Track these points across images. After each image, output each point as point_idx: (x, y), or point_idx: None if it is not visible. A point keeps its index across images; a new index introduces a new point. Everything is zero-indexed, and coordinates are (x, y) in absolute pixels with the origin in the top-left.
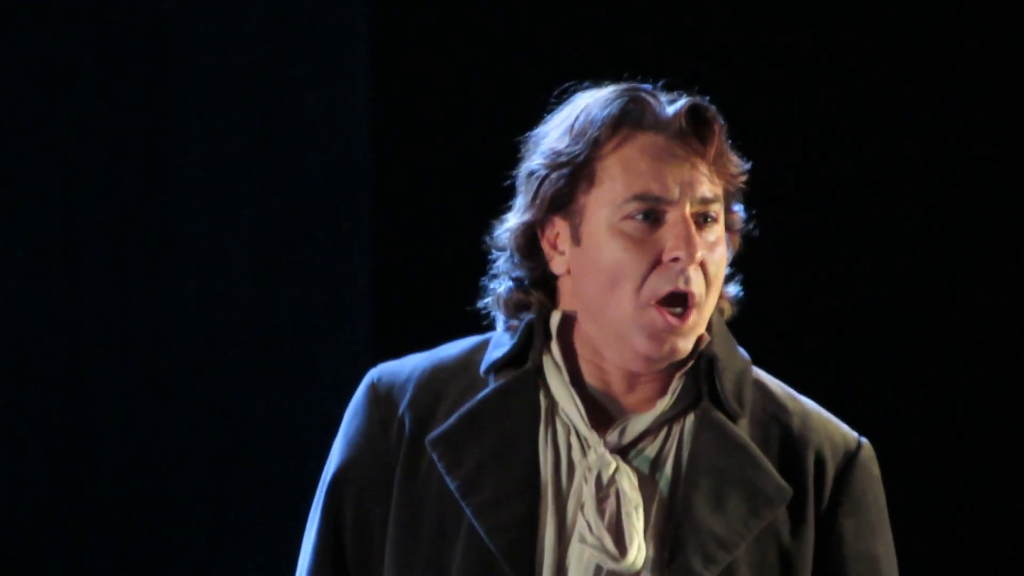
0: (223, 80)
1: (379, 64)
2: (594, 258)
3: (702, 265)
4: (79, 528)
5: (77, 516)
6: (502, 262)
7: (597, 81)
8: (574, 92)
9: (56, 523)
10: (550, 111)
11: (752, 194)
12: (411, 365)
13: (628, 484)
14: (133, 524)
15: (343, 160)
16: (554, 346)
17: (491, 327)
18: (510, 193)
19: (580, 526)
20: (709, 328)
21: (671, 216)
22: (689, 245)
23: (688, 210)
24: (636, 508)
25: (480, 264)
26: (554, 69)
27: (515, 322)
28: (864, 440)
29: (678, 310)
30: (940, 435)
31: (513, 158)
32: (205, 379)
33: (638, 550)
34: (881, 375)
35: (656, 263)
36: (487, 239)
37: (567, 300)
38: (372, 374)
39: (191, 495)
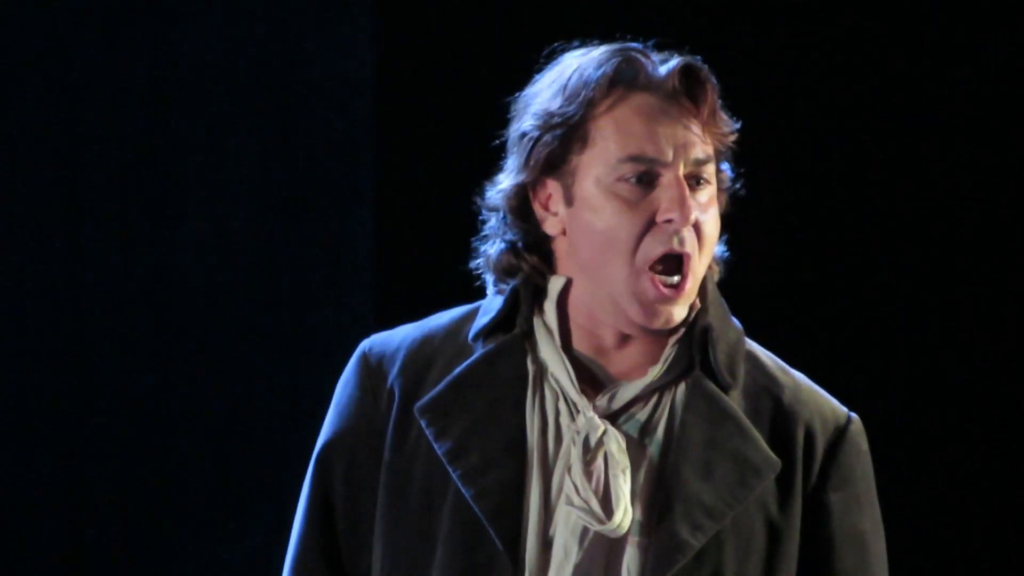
0: (226, 49)
1: (382, 32)
2: (587, 219)
3: (695, 226)
4: (81, 501)
5: (80, 488)
6: (493, 224)
7: (585, 41)
8: (562, 52)
9: (58, 497)
10: (539, 71)
11: (743, 158)
12: (401, 335)
13: (616, 447)
14: (135, 495)
15: (345, 129)
16: (549, 309)
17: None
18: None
19: (567, 488)
20: (704, 295)
21: (665, 178)
22: (683, 207)
23: (682, 171)
24: (624, 471)
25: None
26: (552, 33)
27: (503, 286)
28: (854, 415)
29: (674, 279)
30: (929, 411)
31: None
32: (207, 349)
33: (624, 513)
34: (871, 349)
35: (650, 225)
36: (478, 200)
37: (562, 262)
38: (363, 345)
39: (193, 464)
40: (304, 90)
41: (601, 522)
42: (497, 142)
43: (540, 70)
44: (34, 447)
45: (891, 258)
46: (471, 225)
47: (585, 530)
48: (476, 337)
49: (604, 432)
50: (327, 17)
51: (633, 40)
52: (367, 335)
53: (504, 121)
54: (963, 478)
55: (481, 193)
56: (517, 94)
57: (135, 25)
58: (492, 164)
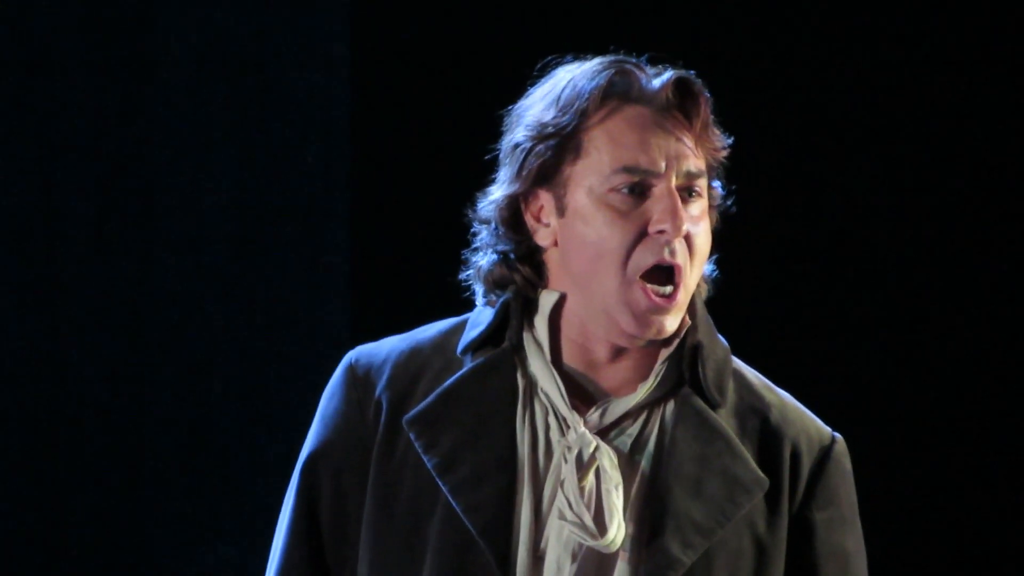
0: (202, 56)
1: (358, 39)
2: (579, 230)
3: (687, 238)
4: (54, 511)
5: (53, 498)
6: (485, 235)
7: (579, 55)
8: (556, 66)
9: (31, 507)
10: (532, 84)
11: (733, 174)
12: (388, 347)
13: (609, 463)
14: (109, 500)
15: (320, 136)
16: (540, 324)
17: (471, 300)
18: (489, 170)
19: (559, 503)
20: (693, 313)
21: (657, 189)
22: (675, 217)
23: (674, 183)
24: (616, 486)
25: (458, 241)
26: (536, 44)
27: (493, 297)
28: (838, 436)
29: (666, 289)
30: (912, 429)
31: (493, 134)
32: (182, 359)
33: (618, 528)
34: (855, 368)
35: (641, 236)
36: (470, 212)
37: (554, 273)
38: (350, 356)
39: (168, 475)
40: (281, 99)
41: (594, 537)
42: (487, 156)
43: (532, 83)
44: (6, 456)
45: (879, 276)
46: (446, 236)
47: (578, 545)
48: (465, 350)
49: (596, 447)
50: (303, 27)
51: (627, 54)
52: (343, 346)
53: (482, 132)
54: (946, 495)
55: (472, 204)
56: (509, 107)
57: (112, 34)
58: (469, 175)
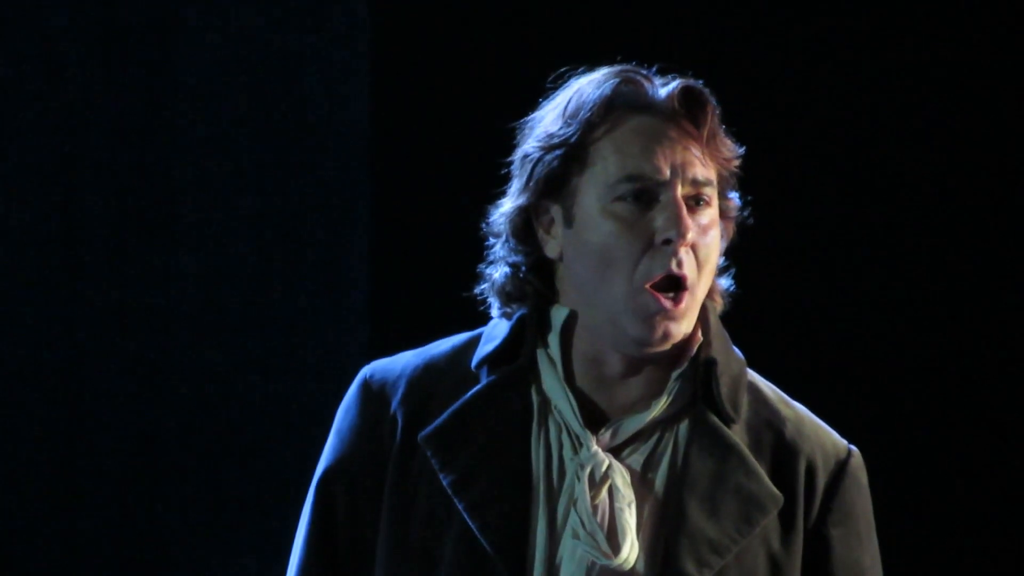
0: (223, 75)
1: (379, 51)
2: (586, 240)
3: (693, 248)
4: (73, 523)
5: (73, 502)
6: (498, 248)
7: (593, 66)
8: (570, 77)
9: (52, 510)
10: (546, 97)
11: (747, 184)
12: (403, 362)
13: (622, 481)
14: (128, 513)
15: (341, 148)
16: (553, 341)
17: (487, 314)
18: (508, 180)
19: (573, 522)
20: (707, 327)
21: (663, 197)
22: (680, 226)
23: (680, 191)
24: (629, 505)
25: (478, 253)
26: (558, 54)
27: (508, 310)
28: (854, 449)
29: (671, 294)
30: (927, 441)
31: (509, 145)
32: (202, 366)
33: (631, 547)
34: (871, 379)
35: (648, 246)
36: (484, 225)
37: (563, 285)
38: (364, 371)
39: (187, 487)
40: (302, 110)
41: (608, 556)
42: (503, 170)
43: (546, 95)
44: (27, 463)
45: (892, 287)
46: (466, 248)
47: (592, 564)
48: (479, 365)
49: (609, 466)
50: (324, 42)
51: (637, 64)
52: (361, 359)
53: (499, 144)
54: (962, 509)
55: (486, 217)
56: (522, 120)
57: (132, 50)
58: (489, 187)
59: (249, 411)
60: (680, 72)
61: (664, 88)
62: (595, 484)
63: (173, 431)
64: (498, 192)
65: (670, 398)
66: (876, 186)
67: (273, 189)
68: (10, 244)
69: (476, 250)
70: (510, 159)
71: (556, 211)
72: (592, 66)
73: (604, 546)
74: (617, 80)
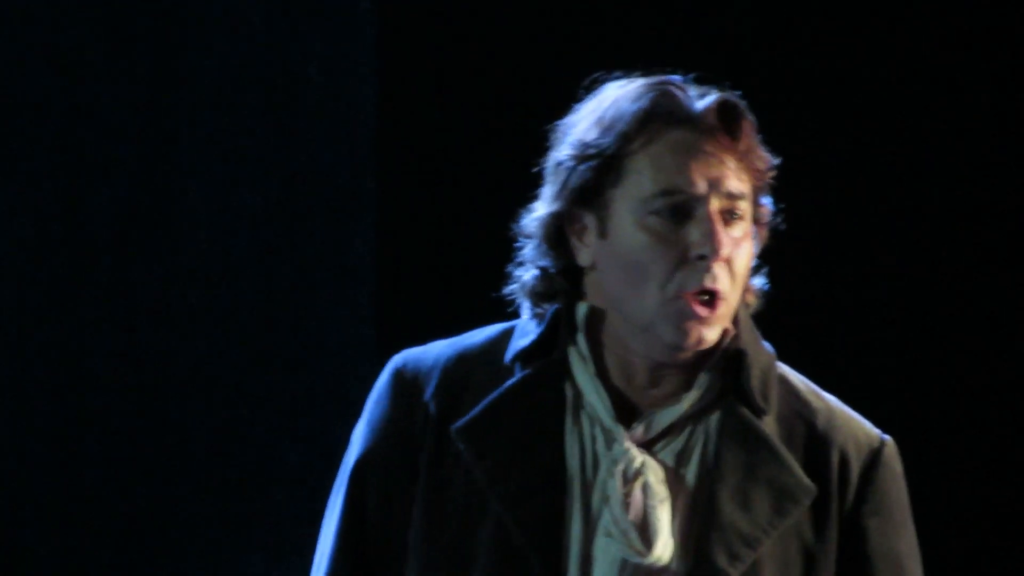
0: (227, 65)
1: (385, 47)
2: (619, 253)
3: (727, 262)
4: (77, 513)
5: (75, 499)
6: (529, 250)
7: (628, 72)
8: (603, 82)
9: (54, 508)
10: (579, 101)
11: (779, 187)
12: (436, 353)
13: (655, 478)
14: (133, 509)
15: (347, 145)
16: (580, 338)
17: (497, 308)
18: (515, 179)
19: (605, 520)
20: (736, 322)
21: (698, 212)
22: (715, 242)
23: (715, 206)
24: (662, 502)
25: (484, 250)
26: (563, 55)
27: (540, 310)
28: (887, 438)
29: (706, 297)
30: (962, 431)
31: (517, 144)
32: (207, 363)
33: (664, 545)
34: (903, 370)
35: (682, 260)
36: (514, 226)
37: (593, 292)
38: (397, 360)
39: (192, 478)
40: (306, 107)
41: (641, 554)
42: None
43: (580, 100)
44: (32, 463)
45: (925, 282)
46: (472, 244)
47: (624, 562)
48: (514, 360)
49: (642, 463)
50: (329, 32)
51: (673, 73)
52: (367, 355)
53: (506, 140)
54: (997, 498)
55: (517, 219)
56: (556, 122)
57: (136, 40)
58: (494, 185)
59: (255, 407)
60: (715, 81)
61: (701, 101)
62: (628, 481)
63: (176, 428)
64: (507, 188)
65: (701, 391)
66: (910, 175)
67: (277, 184)
68: (11, 242)
69: (485, 246)
70: (542, 161)
71: (590, 220)
72: (627, 71)
73: (637, 544)
74: (654, 93)
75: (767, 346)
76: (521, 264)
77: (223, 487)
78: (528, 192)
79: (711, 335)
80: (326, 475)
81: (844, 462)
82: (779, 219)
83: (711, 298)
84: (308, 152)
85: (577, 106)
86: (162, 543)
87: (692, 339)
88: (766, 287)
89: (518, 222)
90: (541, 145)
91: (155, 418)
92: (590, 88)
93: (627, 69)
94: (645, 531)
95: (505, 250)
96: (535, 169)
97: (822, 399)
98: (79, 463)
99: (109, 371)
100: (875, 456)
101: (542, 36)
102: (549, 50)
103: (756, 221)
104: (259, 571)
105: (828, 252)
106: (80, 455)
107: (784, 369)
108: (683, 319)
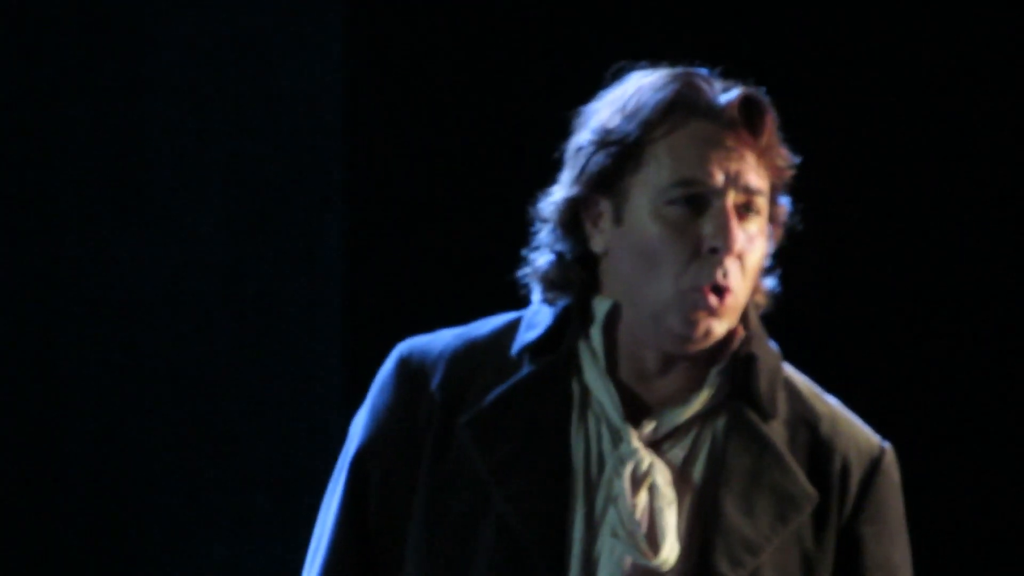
0: (196, 57)
1: (352, 40)
2: (634, 240)
3: (739, 257)
4: (47, 505)
5: (45, 492)
6: (544, 234)
7: (655, 63)
8: (628, 71)
9: (23, 501)
10: (604, 87)
11: (797, 188)
12: (442, 343)
13: (663, 479)
14: (104, 499)
15: (314, 136)
16: (595, 333)
17: (469, 304)
18: (481, 174)
19: (611, 520)
20: (747, 323)
21: (714, 205)
22: (728, 236)
23: (731, 200)
24: (669, 505)
25: (452, 243)
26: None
27: (550, 296)
28: (887, 445)
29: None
30: (962, 430)
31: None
32: (176, 356)
33: (670, 548)
34: (905, 375)
35: (695, 252)
36: (530, 210)
37: (606, 279)
38: (401, 349)
39: (161, 469)
40: (273, 99)
41: (647, 556)
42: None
43: (605, 87)
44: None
45: (929, 286)
46: (442, 240)
47: (629, 562)
48: (521, 353)
49: (651, 464)
50: (297, 25)
51: (699, 66)
52: (335, 348)
53: (476, 130)
54: (993, 505)
55: (535, 202)
56: (579, 108)
57: (106, 32)
58: (464, 178)
59: (224, 398)
60: (740, 76)
61: (724, 95)
62: (636, 482)
63: (145, 421)
64: (477, 180)
65: (712, 391)
66: (922, 178)
67: (246, 173)
68: None
69: (455, 241)
70: (562, 147)
71: (606, 206)
72: (654, 62)
73: (643, 546)
74: (678, 83)
75: (773, 345)
76: (536, 248)
77: (192, 479)
78: (498, 187)
79: (719, 328)
80: (289, 468)
81: (845, 469)
82: (796, 219)
83: (721, 296)
84: (276, 145)
85: (600, 93)
86: (130, 533)
87: (700, 330)
88: (776, 289)
89: (534, 205)
90: (511, 138)
91: (123, 410)
92: (615, 76)
93: (629, 63)
94: (652, 533)
95: (475, 243)
96: (507, 164)
97: (826, 404)
98: (44, 454)
99: (77, 364)
100: (875, 464)
101: (511, 29)
102: (518, 44)
103: (772, 220)
104: (229, 562)
105: (833, 252)
106: (45, 447)
107: (789, 371)
108: (694, 310)
